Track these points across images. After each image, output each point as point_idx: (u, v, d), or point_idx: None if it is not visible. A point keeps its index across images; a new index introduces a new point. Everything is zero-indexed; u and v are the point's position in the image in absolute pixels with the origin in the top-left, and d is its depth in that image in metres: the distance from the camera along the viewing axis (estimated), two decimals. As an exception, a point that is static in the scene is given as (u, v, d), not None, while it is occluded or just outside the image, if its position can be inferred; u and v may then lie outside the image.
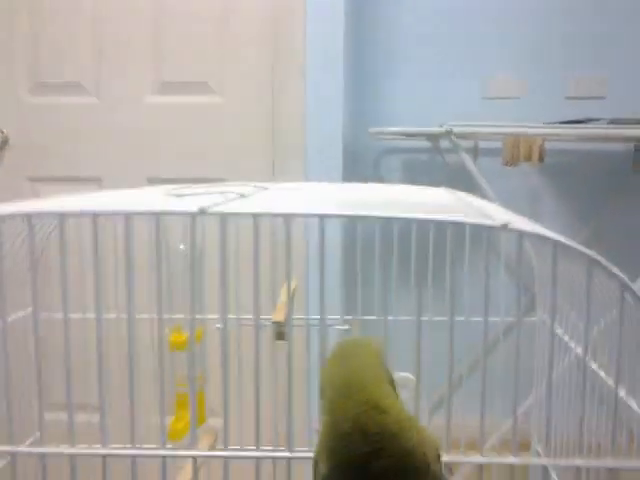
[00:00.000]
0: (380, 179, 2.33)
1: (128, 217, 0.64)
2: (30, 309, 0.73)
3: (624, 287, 0.59)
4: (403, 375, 1.00)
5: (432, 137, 2.12)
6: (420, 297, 0.70)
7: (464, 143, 2.03)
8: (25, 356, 0.83)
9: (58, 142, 2.03)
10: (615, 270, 0.59)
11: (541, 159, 1.99)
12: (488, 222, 0.61)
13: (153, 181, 1.99)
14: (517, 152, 2.00)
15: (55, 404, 0.81)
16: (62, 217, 0.64)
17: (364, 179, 1.35)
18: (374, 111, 2.30)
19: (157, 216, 0.64)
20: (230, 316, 1.07)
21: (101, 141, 2.01)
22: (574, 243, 0.60)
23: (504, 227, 0.61)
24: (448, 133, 1.99)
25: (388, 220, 0.63)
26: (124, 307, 0.81)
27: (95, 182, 2.02)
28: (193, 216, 0.63)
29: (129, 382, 0.68)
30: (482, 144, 2.09)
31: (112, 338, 0.88)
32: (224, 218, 0.63)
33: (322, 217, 0.62)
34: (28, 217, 0.67)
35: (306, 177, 1.93)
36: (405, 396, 0.99)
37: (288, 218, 0.64)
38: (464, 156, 2.03)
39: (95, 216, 0.65)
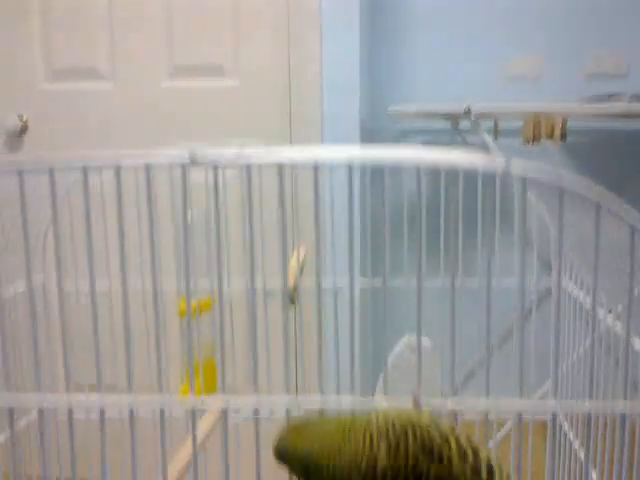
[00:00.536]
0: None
1: (117, 169, 0.63)
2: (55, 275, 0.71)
3: (634, 230, 0.56)
4: (417, 338, 0.97)
5: (452, 117, 2.08)
6: (420, 258, 0.67)
7: (484, 124, 1.99)
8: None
9: (75, 128, 2.03)
10: (625, 212, 0.56)
11: (563, 137, 1.94)
12: (488, 165, 0.58)
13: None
14: (538, 130, 1.95)
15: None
16: (20, 173, 0.62)
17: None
18: (392, 93, 2.27)
19: (147, 167, 0.62)
20: (238, 282, 1.06)
21: (118, 126, 2.01)
22: (581, 186, 0.57)
23: (506, 171, 0.58)
24: (467, 112, 1.95)
25: (390, 166, 0.60)
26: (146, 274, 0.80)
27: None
28: (184, 166, 0.61)
29: (124, 331, 0.66)
30: (502, 125, 2.04)
31: (136, 305, 0.87)
32: (216, 169, 0.61)
33: (316, 166, 0.60)
34: (19, 173, 0.66)
35: (323, 160, 1.91)
36: (415, 360, 0.96)
37: (282, 168, 0.62)
38: (485, 136, 1.99)
39: (85, 169, 0.64)
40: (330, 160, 0.60)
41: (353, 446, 0.63)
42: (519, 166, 0.58)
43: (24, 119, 2.07)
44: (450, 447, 0.62)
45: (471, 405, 0.62)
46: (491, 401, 0.61)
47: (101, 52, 2.00)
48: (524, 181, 0.57)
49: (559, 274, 0.61)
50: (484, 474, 0.61)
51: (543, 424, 1.02)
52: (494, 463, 0.62)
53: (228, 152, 0.60)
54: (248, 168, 0.62)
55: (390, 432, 0.63)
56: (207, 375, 1.04)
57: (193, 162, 0.59)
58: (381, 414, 0.66)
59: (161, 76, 1.98)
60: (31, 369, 0.72)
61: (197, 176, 0.99)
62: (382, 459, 0.62)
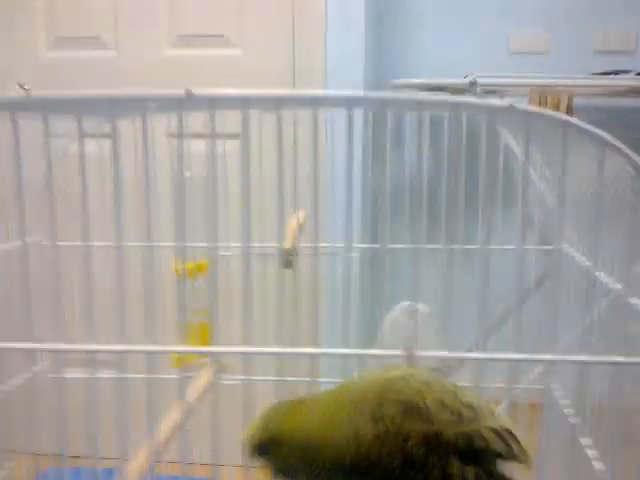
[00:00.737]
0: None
1: (111, 104, 0.61)
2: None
3: (638, 170, 0.55)
4: (411, 304, 0.96)
5: (456, 91, 2.05)
6: (421, 224, 0.66)
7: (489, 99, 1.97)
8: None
9: (77, 97, 2.01)
10: (629, 152, 0.55)
11: (569, 112, 1.92)
12: (494, 103, 0.57)
13: (171, 135, 1.96)
14: (544, 105, 1.93)
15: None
16: (12, 111, 0.60)
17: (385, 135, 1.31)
18: (397, 66, 2.25)
19: (143, 104, 0.61)
20: (235, 244, 1.05)
21: (119, 96, 1.99)
22: (585, 124, 0.55)
23: (511, 107, 0.56)
24: (473, 85, 1.92)
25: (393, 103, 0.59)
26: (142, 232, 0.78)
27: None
28: (180, 102, 0.60)
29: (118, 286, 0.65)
30: (508, 100, 2.02)
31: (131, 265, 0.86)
32: (212, 104, 0.59)
33: (315, 101, 0.58)
34: (11, 110, 0.64)
35: (326, 132, 1.89)
36: (411, 326, 0.95)
37: (280, 103, 0.60)
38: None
39: (79, 115, 0.62)
40: (330, 98, 0.58)
41: (339, 423, 0.62)
42: (523, 105, 0.57)
43: (27, 89, 2.04)
44: (425, 400, 0.60)
45: (463, 357, 0.61)
46: (484, 353, 0.60)
47: (104, 21, 1.98)
48: (528, 115, 0.55)
49: (562, 213, 0.60)
50: (465, 412, 0.60)
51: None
52: (474, 400, 0.61)
53: (226, 91, 0.59)
54: (244, 100, 0.60)
55: (365, 402, 0.62)
56: (202, 341, 1.03)
57: (188, 96, 0.58)
58: (359, 382, 0.65)
59: (163, 45, 1.96)
60: (22, 320, 0.71)
61: (196, 147, 0.98)
62: (365, 432, 0.60)
